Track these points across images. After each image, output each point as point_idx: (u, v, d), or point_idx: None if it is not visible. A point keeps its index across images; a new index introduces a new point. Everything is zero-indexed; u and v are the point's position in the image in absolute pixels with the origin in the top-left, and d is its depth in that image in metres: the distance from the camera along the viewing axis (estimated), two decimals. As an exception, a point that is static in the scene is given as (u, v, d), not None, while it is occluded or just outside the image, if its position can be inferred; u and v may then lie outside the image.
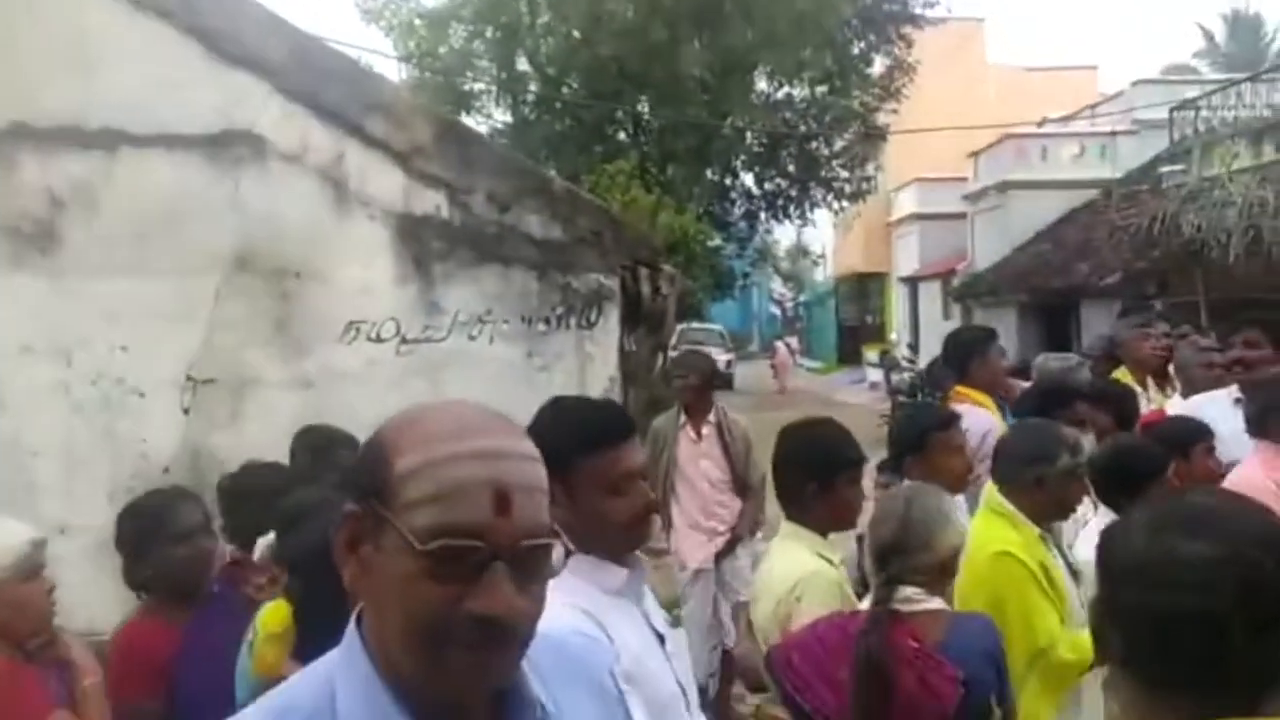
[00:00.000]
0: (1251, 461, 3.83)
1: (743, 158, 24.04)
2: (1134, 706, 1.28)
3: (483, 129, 21.87)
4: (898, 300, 36.08)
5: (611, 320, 6.15)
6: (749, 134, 23.26)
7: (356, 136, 5.70)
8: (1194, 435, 3.94)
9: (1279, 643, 1.21)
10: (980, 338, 5.31)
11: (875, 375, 25.47)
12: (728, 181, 24.49)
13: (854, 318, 40.32)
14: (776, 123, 23.31)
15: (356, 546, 1.18)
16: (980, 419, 4.37)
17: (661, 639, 2.01)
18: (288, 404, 5.39)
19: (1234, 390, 4.41)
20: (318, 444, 3.89)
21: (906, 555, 2.48)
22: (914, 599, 2.46)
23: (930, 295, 31.15)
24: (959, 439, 3.65)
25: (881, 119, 23.80)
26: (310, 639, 1.95)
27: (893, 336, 32.08)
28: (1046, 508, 3.18)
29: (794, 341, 42.67)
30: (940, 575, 2.51)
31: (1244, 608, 1.20)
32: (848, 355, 37.77)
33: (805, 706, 2.41)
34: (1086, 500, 3.42)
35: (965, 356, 5.06)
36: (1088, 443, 3.34)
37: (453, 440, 1.17)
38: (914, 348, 27.27)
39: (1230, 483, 3.82)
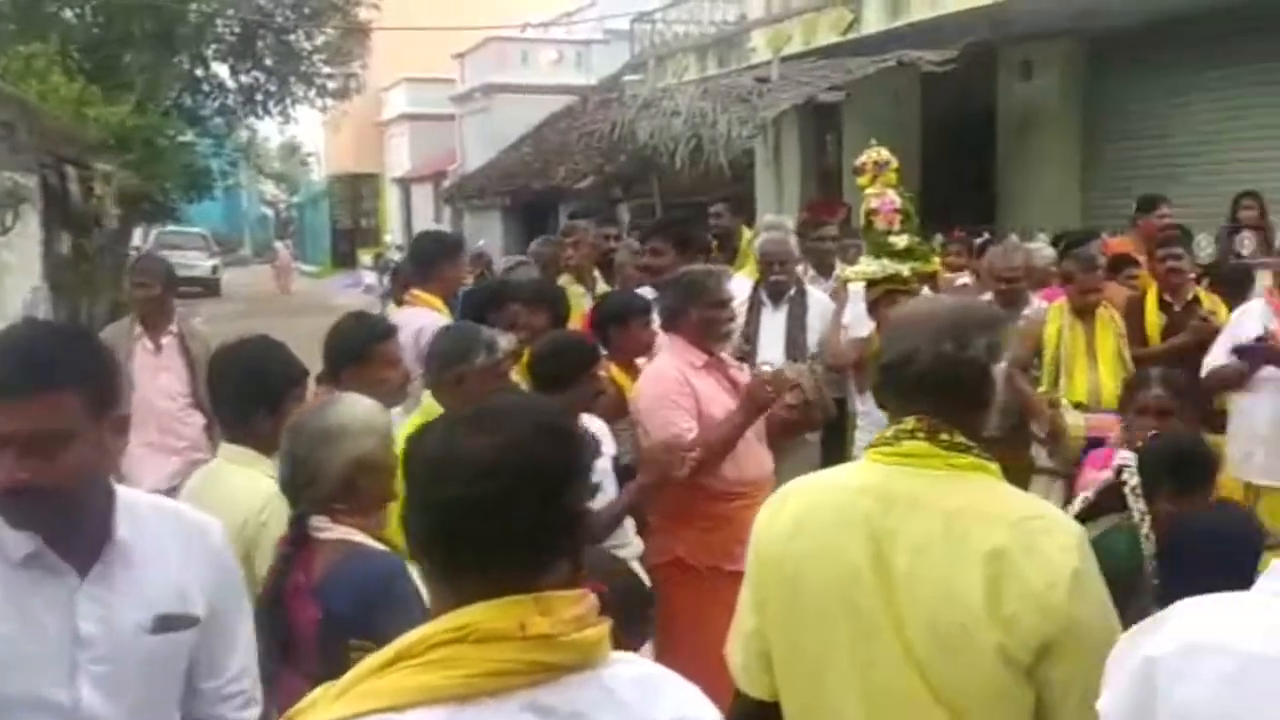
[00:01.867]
0: (664, 352, 4.21)
1: (215, 47, 22.38)
2: (436, 598, 1.34)
3: None
4: (391, 202, 35.82)
5: (31, 224, 5.48)
6: (219, 21, 21.66)
7: None
8: (628, 309, 4.52)
9: (554, 522, 1.33)
10: (447, 244, 5.40)
11: (371, 278, 25.23)
12: (199, 73, 22.71)
13: (348, 220, 39.56)
14: (249, 10, 21.91)
15: None
16: (416, 317, 4.45)
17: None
18: None
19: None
20: None
21: (300, 490, 2.42)
22: (319, 527, 2.40)
23: (423, 197, 31.23)
24: (396, 351, 3.65)
25: (364, 14, 23.15)
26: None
27: (387, 239, 31.89)
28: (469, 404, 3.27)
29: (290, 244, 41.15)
30: (350, 494, 2.44)
31: (520, 493, 1.29)
32: (343, 258, 37.08)
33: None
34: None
35: (429, 261, 5.12)
36: (505, 341, 3.47)
37: None
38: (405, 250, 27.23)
39: (648, 369, 4.21)
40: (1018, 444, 4.99)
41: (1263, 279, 6.00)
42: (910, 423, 1.85)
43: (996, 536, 1.76)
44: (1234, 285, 6.13)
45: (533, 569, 1.30)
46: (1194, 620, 1.29)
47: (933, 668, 1.78)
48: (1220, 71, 10.26)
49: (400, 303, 5.67)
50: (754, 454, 4.08)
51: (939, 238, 9.05)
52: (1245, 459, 5.07)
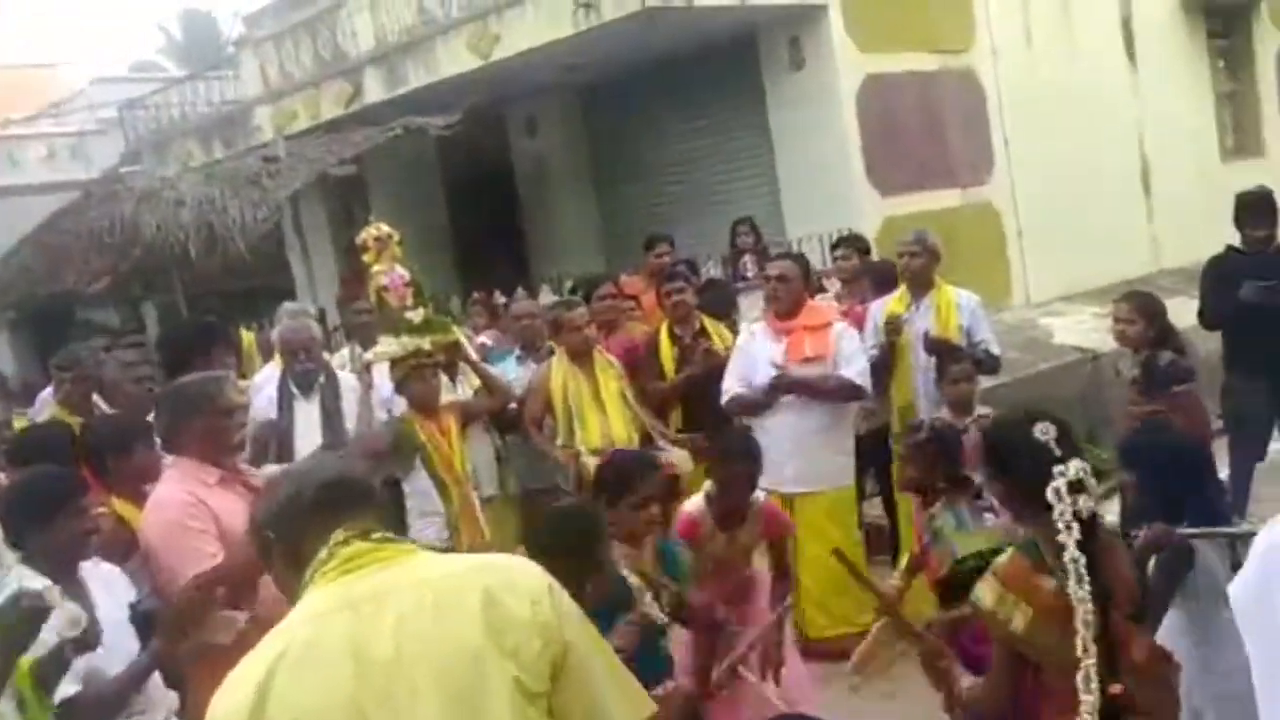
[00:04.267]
0: (168, 475, 3.81)
1: None
2: None
3: None
4: None
5: None
6: None
7: None
8: (126, 432, 4.14)
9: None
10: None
11: None
12: None
13: None
14: None
15: None
16: None
17: None
18: None
19: None
20: None
21: None
22: None
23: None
24: None
25: None
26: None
27: None
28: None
29: None
30: None
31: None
32: None
33: None
34: None
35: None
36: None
37: None
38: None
39: (151, 498, 3.75)
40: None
41: (755, 300, 6.49)
42: (340, 535, 1.88)
43: (476, 584, 1.82)
44: (721, 307, 6.58)
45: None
46: None
47: None
48: (700, 111, 11.18)
49: None
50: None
51: (475, 296, 9.11)
52: (778, 473, 5.32)
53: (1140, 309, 5.00)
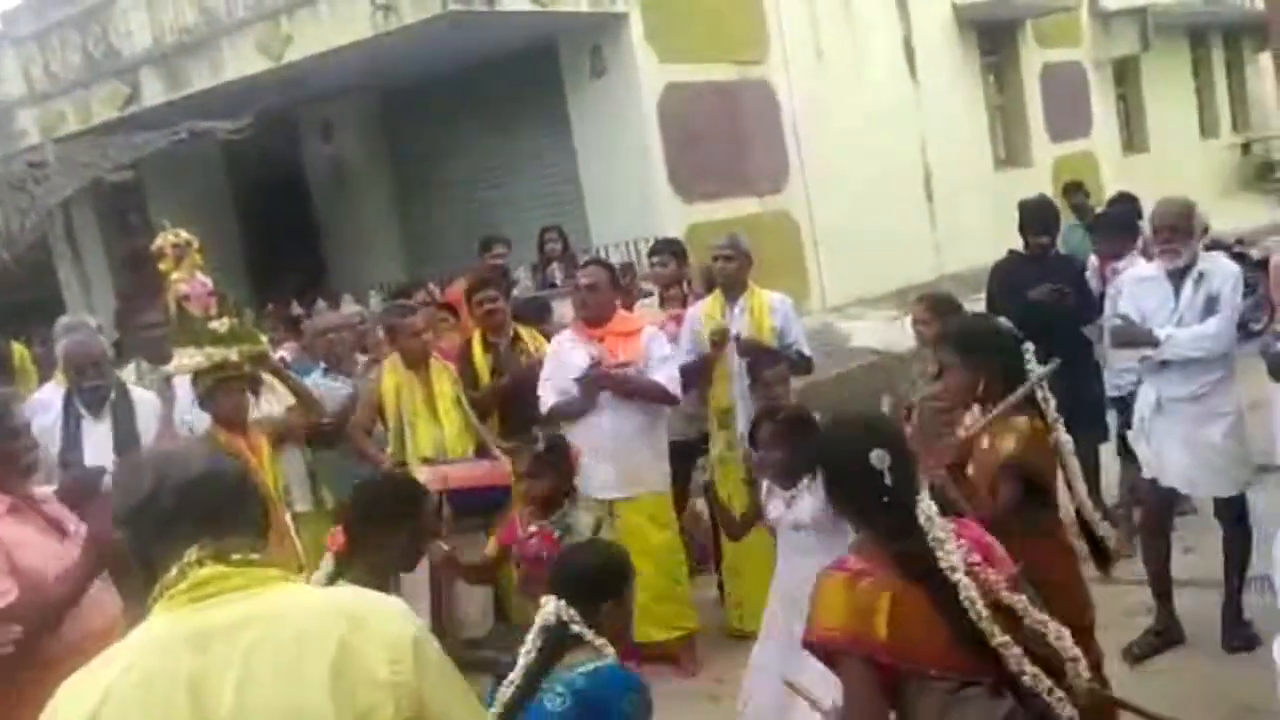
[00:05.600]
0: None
1: None
2: None
3: None
4: None
5: None
6: None
7: None
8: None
9: None
10: None
11: None
12: None
13: None
14: None
15: None
16: None
17: None
18: None
19: None
20: None
21: None
22: None
23: None
24: None
25: None
26: None
27: None
28: None
29: None
30: None
31: None
32: None
33: None
34: None
35: None
36: None
37: None
38: None
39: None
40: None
41: (566, 306, 6.44)
42: (194, 554, 1.69)
43: (333, 632, 1.67)
44: (535, 314, 6.53)
45: None
46: None
47: None
48: (504, 117, 11.07)
49: None
50: (98, 599, 3.46)
51: (270, 308, 8.73)
52: (598, 479, 5.27)
53: (934, 308, 5.21)
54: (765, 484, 4.25)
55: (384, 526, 2.99)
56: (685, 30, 10.33)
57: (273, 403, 5.37)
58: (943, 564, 2.32)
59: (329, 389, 5.64)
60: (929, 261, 12.52)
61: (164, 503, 1.73)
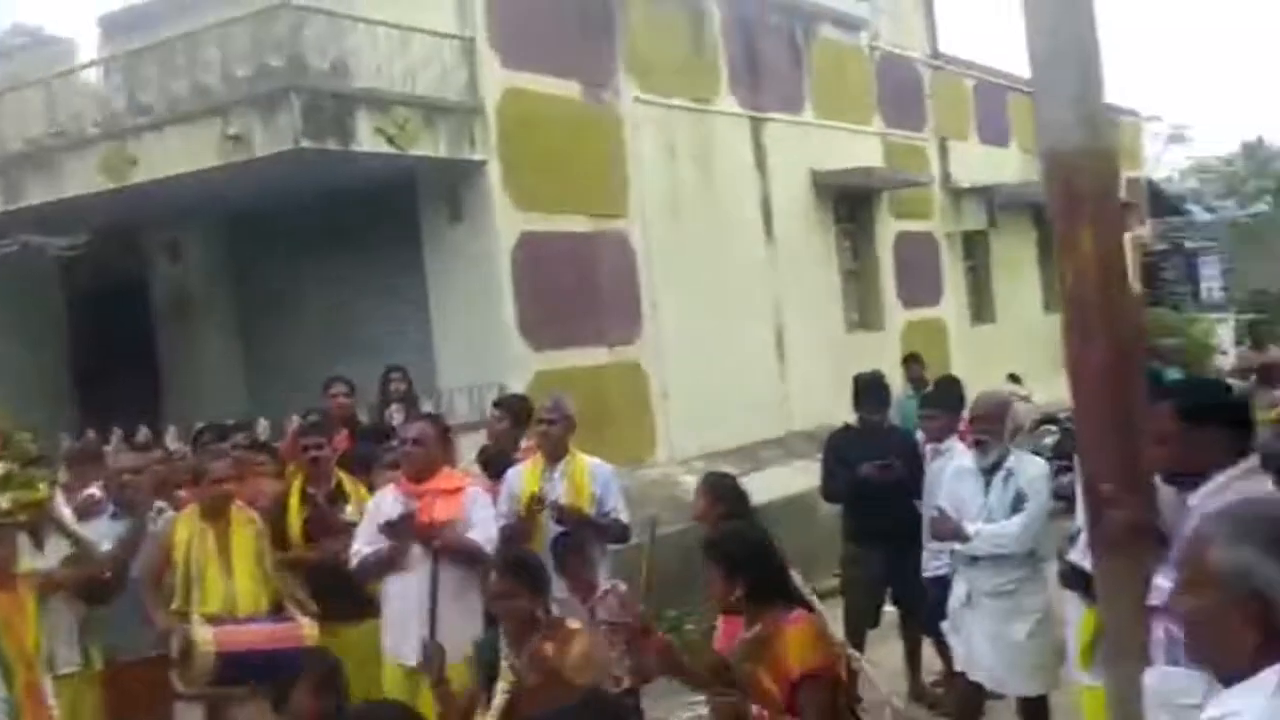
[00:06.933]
0: None
1: None
2: None
3: None
4: None
5: None
6: None
7: None
8: None
9: None
10: None
11: None
12: None
13: None
14: None
15: None
16: None
17: None
18: None
19: None
20: None
21: None
22: None
23: None
24: None
25: None
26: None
27: None
28: None
29: None
30: None
31: None
32: None
33: None
34: None
35: None
36: None
37: None
38: None
39: None
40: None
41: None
42: None
43: None
44: (363, 467, 6.28)
45: None
46: None
47: None
48: (357, 250, 10.89)
49: None
50: None
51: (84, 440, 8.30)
52: (407, 643, 5.00)
53: (713, 490, 5.05)
54: None
55: None
56: (543, 180, 10.41)
57: (52, 552, 5.01)
58: None
59: (115, 536, 5.29)
60: (778, 418, 12.63)
61: None
